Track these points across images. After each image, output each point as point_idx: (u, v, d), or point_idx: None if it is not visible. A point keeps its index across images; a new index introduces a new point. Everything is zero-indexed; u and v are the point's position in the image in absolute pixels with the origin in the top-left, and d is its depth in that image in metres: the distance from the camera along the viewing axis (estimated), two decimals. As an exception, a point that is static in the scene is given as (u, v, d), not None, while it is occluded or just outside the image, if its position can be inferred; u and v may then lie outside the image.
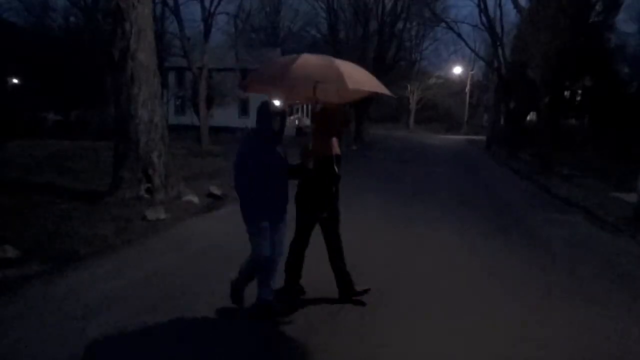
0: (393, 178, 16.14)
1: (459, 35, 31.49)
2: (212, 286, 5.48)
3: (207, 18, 22.68)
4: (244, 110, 44.06)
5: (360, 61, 34.92)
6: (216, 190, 10.67)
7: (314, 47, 45.83)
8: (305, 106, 50.41)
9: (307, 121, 49.74)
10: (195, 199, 9.90)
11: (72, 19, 35.61)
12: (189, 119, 37.06)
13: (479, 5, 28.09)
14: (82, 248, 6.60)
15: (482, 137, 38.70)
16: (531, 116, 30.22)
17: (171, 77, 43.52)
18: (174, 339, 4.29)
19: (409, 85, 58.30)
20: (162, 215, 8.52)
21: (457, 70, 55.93)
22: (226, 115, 39.42)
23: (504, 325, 4.81)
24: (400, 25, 35.18)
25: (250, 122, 41.75)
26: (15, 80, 50.33)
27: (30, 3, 38.90)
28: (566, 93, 18.52)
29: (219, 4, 22.68)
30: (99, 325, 4.42)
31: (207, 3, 22.66)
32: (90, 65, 27.96)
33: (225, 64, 34.55)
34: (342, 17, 37.93)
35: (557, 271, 6.65)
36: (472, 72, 54.84)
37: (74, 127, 35.57)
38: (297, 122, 45.80)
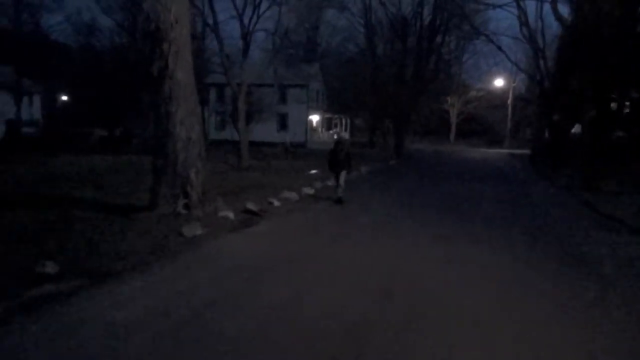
0: (432, 194, 15.88)
1: (499, 48, 31.08)
2: (241, 303, 5.50)
3: (246, 35, 23.05)
4: (282, 125, 44.47)
5: (399, 75, 34.95)
6: (252, 206, 10.71)
7: (352, 62, 46.06)
8: (343, 121, 50.51)
9: (345, 135, 49.76)
10: (231, 215, 9.96)
11: (117, 39, 36.82)
12: (229, 134, 37.65)
13: (519, 17, 27.60)
14: (118, 264, 6.69)
15: (526, 151, 37.85)
16: (577, 128, 29.34)
17: (212, 93, 44.43)
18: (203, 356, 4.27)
19: (449, 99, 57.75)
20: (199, 232, 8.60)
21: (499, 82, 54.96)
22: (265, 130, 39.84)
23: None
24: (439, 39, 34.94)
25: (289, 136, 42.25)
26: (64, 98, 52.46)
27: (79, 25, 40.50)
28: (613, 105, 17.84)
29: (257, 21, 23.03)
30: (129, 344, 4.45)
31: (245, 21, 23.02)
32: (133, 82, 28.82)
33: (264, 79, 34.99)
34: (379, 32, 37.99)
35: (613, 304, 5.99)
36: (514, 85, 53.79)
37: (118, 143, 36.64)
38: (335, 136, 45.89)
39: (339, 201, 12.82)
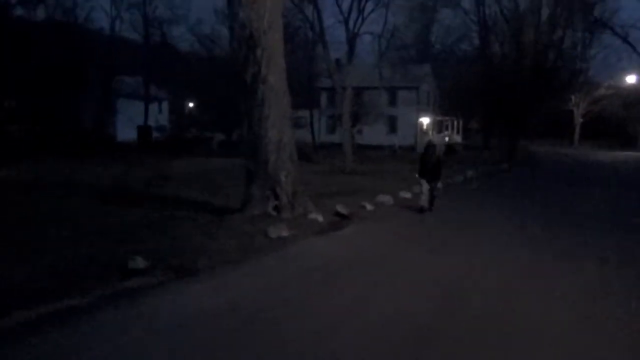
0: (540, 206, 14.24)
1: (625, 40, 28.25)
2: (310, 306, 5.51)
3: (351, 39, 23.22)
4: (392, 128, 44.12)
5: (515, 73, 33.17)
6: (343, 210, 10.72)
7: (465, 63, 44.62)
8: (455, 123, 49.00)
9: (457, 138, 48.24)
10: (320, 218, 10.03)
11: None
12: (338, 136, 38.15)
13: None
14: (203, 261, 7.01)
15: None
16: None
17: (322, 97, 45.23)
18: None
19: (573, 97, 53.77)
20: (284, 233, 8.75)
21: (631, 79, 49.99)
22: (374, 133, 39.87)
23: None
24: (559, 33, 32.65)
25: (398, 139, 41.83)
26: (191, 105, 56.42)
27: (201, 35, 43.36)
28: None
29: (362, 24, 23.13)
30: (196, 335, 4.64)
31: (351, 25, 23.22)
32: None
33: (373, 82, 34.98)
34: (494, 29, 36.42)
35: None
36: (649, 81, 48.71)
37: (235, 146, 38.58)
38: (446, 139, 44.68)
39: (422, 210, 11.72)
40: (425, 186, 11.84)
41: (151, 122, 45.53)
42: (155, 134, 44.54)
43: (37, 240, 7.71)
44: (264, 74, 9.89)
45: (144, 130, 42.59)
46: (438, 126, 47.66)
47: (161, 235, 8.21)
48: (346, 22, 23.13)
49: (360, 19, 23.16)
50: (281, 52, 10.27)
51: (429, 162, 11.99)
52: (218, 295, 5.82)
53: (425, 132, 45.00)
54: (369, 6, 23.57)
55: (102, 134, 38.68)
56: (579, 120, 58.06)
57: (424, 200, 11.88)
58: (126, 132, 41.97)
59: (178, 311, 5.32)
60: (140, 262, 6.64)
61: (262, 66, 9.86)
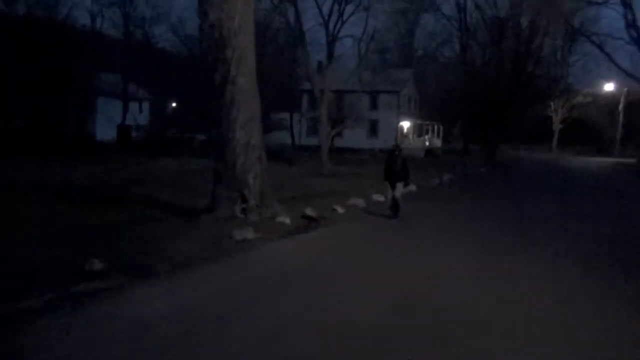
0: (514, 209, 14.26)
1: (602, 49, 28.69)
2: (260, 311, 5.43)
3: (330, 42, 23.24)
4: (372, 131, 44.17)
5: (494, 80, 33.53)
6: (311, 212, 10.67)
7: (447, 68, 44.95)
8: (435, 127, 49.29)
9: (438, 142, 48.51)
10: (287, 220, 9.97)
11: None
12: (319, 139, 38.06)
13: (625, 16, 25.40)
14: (162, 264, 6.91)
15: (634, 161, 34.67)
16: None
17: (304, 100, 45.14)
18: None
19: (552, 104, 54.43)
20: (250, 236, 8.68)
21: (609, 87, 50.84)
22: (355, 136, 39.86)
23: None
24: (538, 40, 33.07)
25: (380, 143, 41.88)
26: (173, 104, 55.96)
27: (182, 34, 43.12)
28: None
29: (341, 27, 23.14)
30: (142, 341, 4.55)
31: (331, 27, 23.23)
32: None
33: (354, 86, 34.99)
34: (475, 35, 36.81)
35: None
36: (626, 89, 49.48)
37: (215, 147, 38.24)
38: (427, 143, 44.89)
39: (392, 215, 11.36)
40: (390, 191, 11.43)
41: (131, 122, 44.97)
42: (135, 134, 43.96)
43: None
44: (233, 75, 9.83)
45: (123, 130, 42.04)
46: (419, 130, 47.88)
47: (125, 238, 8.09)
48: (326, 25, 23.11)
49: (340, 22, 23.16)
50: (252, 53, 10.21)
51: (393, 165, 11.50)
52: (171, 299, 5.72)
53: (405, 136, 45.17)
54: (349, 9, 23.55)
55: (81, 133, 38.10)
56: (557, 126, 58.78)
57: (390, 204, 11.55)
58: (105, 131, 41.39)
59: (124, 316, 5.19)
60: (97, 264, 6.52)
61: (232, 67, 9.79)
